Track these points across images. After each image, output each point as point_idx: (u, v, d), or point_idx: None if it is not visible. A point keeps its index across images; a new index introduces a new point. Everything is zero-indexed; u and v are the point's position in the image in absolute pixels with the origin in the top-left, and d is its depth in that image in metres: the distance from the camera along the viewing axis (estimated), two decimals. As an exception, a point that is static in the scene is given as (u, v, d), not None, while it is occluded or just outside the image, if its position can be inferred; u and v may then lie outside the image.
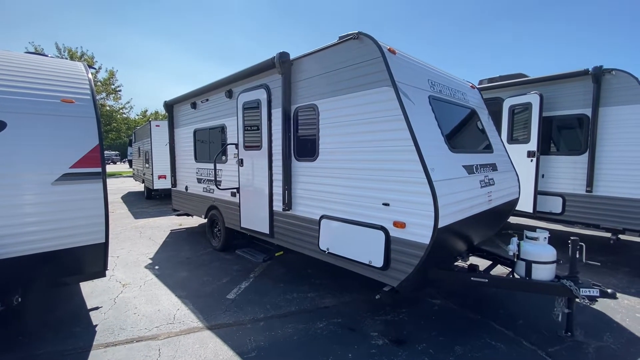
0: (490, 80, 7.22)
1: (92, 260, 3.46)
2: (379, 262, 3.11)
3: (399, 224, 2.95)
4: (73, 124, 3.25)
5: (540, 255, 3.27)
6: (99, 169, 3.30)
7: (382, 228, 3.08)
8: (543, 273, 3.24)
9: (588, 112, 5.28)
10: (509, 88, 6.24)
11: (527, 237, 3.44)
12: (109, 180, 21.91)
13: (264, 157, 4.53)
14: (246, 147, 4.89)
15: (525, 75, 6.79)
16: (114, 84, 26.99)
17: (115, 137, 28.75)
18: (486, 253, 4.24)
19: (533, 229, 3.52)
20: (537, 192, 5.73)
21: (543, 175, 5.80)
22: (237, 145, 5.07)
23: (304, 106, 3.90)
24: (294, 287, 4.40)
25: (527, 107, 5.79)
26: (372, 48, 3.07)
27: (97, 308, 3.84)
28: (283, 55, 3.92)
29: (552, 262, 3.26)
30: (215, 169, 5.15)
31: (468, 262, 4.08)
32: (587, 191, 5.30)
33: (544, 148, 5.78)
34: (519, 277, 3.43)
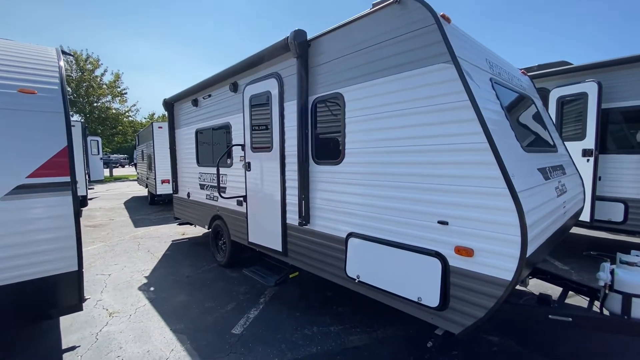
0: (527, 70, 6.36)
1: (63, 293, 2.75)
2: (433, 300, 2.32)
3: (464, 251, 2.16)
4: (33, 121, 2.54)
5: (644, 288, 2.45)
6: (67, 178, 2.58)
7: (437, 255, 2.30)
8: (650, 311, 2.42)
9: (660, 101, 4.41)
10: (557, 76, 5.39)
11: (621, 262, 2.63)
12: (115, 184, 21.50)
13: (275, 160, 3.78)
14: (254, 149, 4.15)
15: (569, 63, 5.92)
16: (119, 87, 26.68)
17: (122, 140, 28.38)
18: (550, 276, 3.43)
19: (622, 247, 2.70)
20: (595, 198, 4.87)
21: (600, 178, 4.94)
22: (243, 146, 4.33)
23: (325, 96, 3.14)
24: (312, 318, 3.63)
25: (582, 97, 4.94)
26: (422, 14, 2.29)
27: (73, 348, 3.12)
28: (299, 35, 3.17)
29: (663, 297, 2.44)
30: (218, 173, 4.42)
31: (528, 288, 3.27)
32: (658, 196, 4.43)
33: (601, 146, 4.92)
34: (608, 313, 2.61)
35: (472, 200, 2.11)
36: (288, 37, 3.25)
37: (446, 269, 2.26)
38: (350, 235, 2.96)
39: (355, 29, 2.78)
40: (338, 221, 3.10)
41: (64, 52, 3.35)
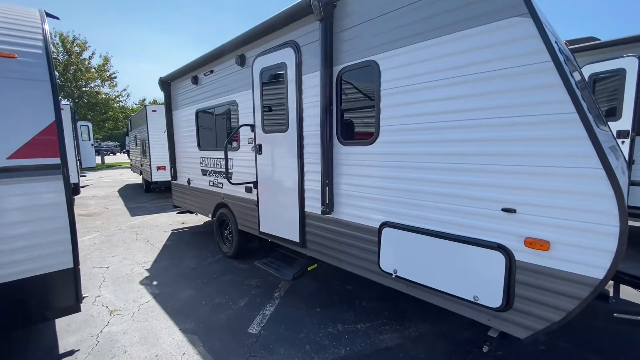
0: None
1: (57, 293, 2.39)
2: (494, 300, 2.00)
3: (537, 244, 1.83)
4: (14, 91, 2.11)
5: None
6: (57, 160, 2.17)
7: (500, 248, 1.96)
8: None
9: None
10: (588, 52, 5.01)
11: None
12: (107, 172, 20.81)
13: (292, 141, 3.38)
14: (266, 129, 3.74)
15: (597, 39, 5.53)
16: (109, 71, 25.63)
17: (112, 126, 27.47)
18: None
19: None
20: (630, 183, 4.58)
21: (634, 162, 4.64)
22: (253, 127, 3.92)
23: (354, 65, 2.73)
24: (335, 314, 3.33)
25: (618, 74, 4.58)
26: (487, -44, 1.88)
27: (72, 352, 2.78)
28: (324, -7, 2.73)
29: None
30: (226, 157, 4.00)
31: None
32: (699, 181, 4.15)
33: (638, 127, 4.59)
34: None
35: (551, 183, 1.76)
36: (310, -4, 2.80)
37: (511, 264, 1.93)
38: (384, 224, 2.62)
39: (396, -18, 2.35)
40: (369, 209, 2.74)
41: (49, 15, 2.87)
